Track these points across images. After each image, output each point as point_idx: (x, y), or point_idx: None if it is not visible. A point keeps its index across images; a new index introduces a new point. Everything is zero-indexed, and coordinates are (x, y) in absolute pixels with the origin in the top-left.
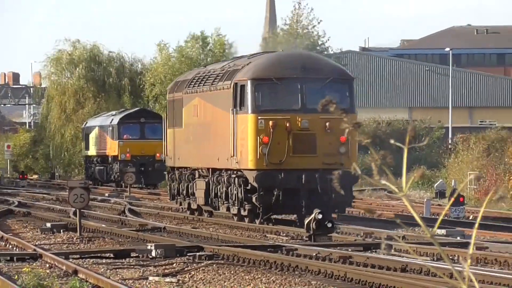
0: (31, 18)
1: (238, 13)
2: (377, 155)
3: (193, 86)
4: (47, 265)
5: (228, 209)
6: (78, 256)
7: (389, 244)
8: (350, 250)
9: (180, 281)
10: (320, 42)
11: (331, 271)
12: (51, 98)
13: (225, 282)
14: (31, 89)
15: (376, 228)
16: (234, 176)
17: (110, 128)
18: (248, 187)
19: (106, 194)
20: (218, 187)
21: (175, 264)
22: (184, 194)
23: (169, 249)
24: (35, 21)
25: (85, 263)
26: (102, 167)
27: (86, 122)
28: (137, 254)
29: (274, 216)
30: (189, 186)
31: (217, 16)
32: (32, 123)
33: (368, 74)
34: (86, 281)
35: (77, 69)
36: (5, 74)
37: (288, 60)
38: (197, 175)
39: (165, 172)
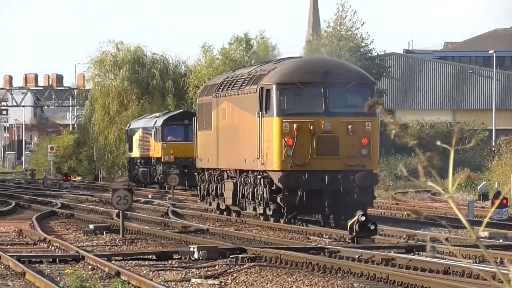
0: (74, 20)
1: (281, 16)
2: (423, 157)
3: (222, 90)
4: (90, 267)
5: (254, 209)
6: (120, 258)
7: (433, 246)
8: (392, 252)
9: (223, 283)
10: (363, 44)
11: (373, 273)
12: (95, 100)
13: (267, 284)
14: (75, 90)
15: (419, 230)
16: (260, 177)
17: (154, 130)
18: (273, 188)
19: (150, 196)
20: (245, 187)
21: (217, 266)
22: (214, 195)
23: (212, 251)
24: (78, 22)
25: (127, 265)
26: (145, 169)
27: (130, 124)
28: (179, 256)
29: (301, 216)
30: (218, 187)
31: (260, 18)
32: (75, 124)
33: (412, 76)
34: (129, 283)
35: (121, 71)
36: (48, 76)
37: (312, 66)
38: (225, 176)
39: (195, 173)
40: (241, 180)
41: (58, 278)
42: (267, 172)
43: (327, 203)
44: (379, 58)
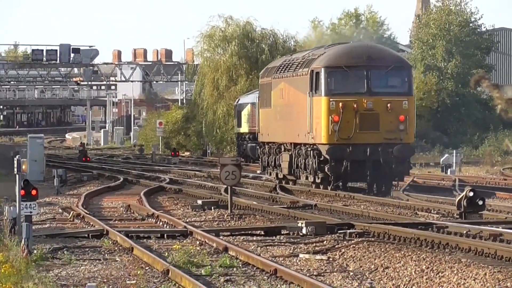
0: None
1: None
2: None
3: (280, 72)
4: (198, 242)
5: (307, 177)
6: (228, 233)
7: None
8: (500, 227)
9: (331, 259)
10: (472, 19)
11: (481, 249)
12: (204, 75)
13: (375, 259)
14: (184, 66)
15: None
16: (310, 149)
17: None
18: (322, 159)
19: (258, 171)
20: (299, 159)
21: (325, 242)
22: (273, 165)
23: (320, 226)
24: None
25: (235, 240)
26: (254, 144)
27: (238, 99)
28: (287, 232)
29: (349, 184)
30: (276, 158)
31: None
32: (184, 100)
33: None
34: (237, 258)
35: (230, 46)
36: (157, 51)
37: (356, 51)
38: (282, 149)
39: (257, 147)
40: (295, 152)
41: (166, 253)
42: (316, 145)
43: (368, 173)
44: (487, 33)
